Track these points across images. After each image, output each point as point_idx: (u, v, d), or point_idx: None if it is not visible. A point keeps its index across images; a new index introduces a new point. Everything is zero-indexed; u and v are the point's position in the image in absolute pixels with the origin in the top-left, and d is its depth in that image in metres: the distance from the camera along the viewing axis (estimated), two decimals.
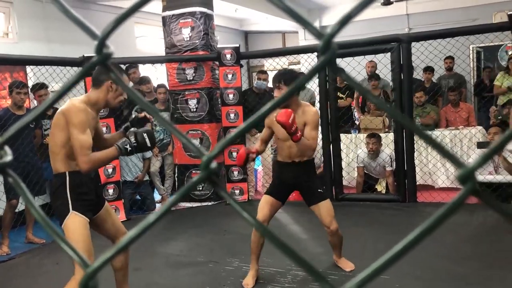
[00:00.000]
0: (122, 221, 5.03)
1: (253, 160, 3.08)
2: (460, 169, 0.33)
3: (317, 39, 0.36)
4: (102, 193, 3.29)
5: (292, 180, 3.17)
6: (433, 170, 5.66)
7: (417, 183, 5.19)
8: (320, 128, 5.55)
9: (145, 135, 2.47)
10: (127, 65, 5.81)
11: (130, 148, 2.44)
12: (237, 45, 5.78)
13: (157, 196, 6.02)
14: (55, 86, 5.23)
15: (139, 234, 0.36)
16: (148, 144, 2.49)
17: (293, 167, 3.16)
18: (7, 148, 0.39)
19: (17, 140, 4.32)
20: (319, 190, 3.20)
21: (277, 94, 3.03)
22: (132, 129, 2.56)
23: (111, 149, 2.44)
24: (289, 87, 2.96)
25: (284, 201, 3.24)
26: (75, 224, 2.40)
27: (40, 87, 4.85)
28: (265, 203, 3.16)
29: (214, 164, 0.36)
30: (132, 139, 2.45)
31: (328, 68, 0.37)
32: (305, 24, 0.38)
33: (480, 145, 4.92)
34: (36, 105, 5.33)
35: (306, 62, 5.91)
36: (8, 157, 0.39)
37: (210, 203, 5.71)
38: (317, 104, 5.52)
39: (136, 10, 0.40)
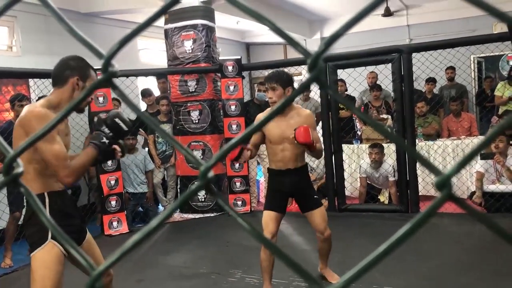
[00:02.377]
0: (124, 233, 5.09)
1: (246, 158, 2.92)
2: (437, 176, 0.35)
3: (305, 57, 0.38)
4: (84, 217, 2.92)
5: (289, 188, 3.06)
6: (435, 180, 5.65)
7: (420, 193, 5.18)
8: (321, 139, 5.58)
9: (116, 119, 2.11)
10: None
11: (107, 140, 2.09)
12: (239, 57, 5.83)
13: (160, 208, 6.02)
14: None
15: (142, 238, 0.37)
16: (124, 127, 2.14)
17: (290, 175, 3.03)
18: (19, 160, 0.41)
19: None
20: (315, 196, 3.13)
21: (271, 95, 2.92)
22: (98, 118, 2.20)
23: (86, 150, 2.07)
24: (284, 88, 2.82)
25: (285, 211, 3.16)
26: (49, 257, 2.00)
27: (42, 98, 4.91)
28: (269, 220, 3.02)
29: (211, 174, 0.37)
30: (105, 129, 2.09)
31: (316, 83, 0.39)
32: (294, 45, 0.39)
33: (483, 156, 4.91)
34: None
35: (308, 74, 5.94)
36: (20, 168, 0.40)
37: (212, 215, 5.71)
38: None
39: (140, 31, 0.42)
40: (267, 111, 2.95)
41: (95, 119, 2.55)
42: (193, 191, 0.38)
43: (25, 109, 2.08)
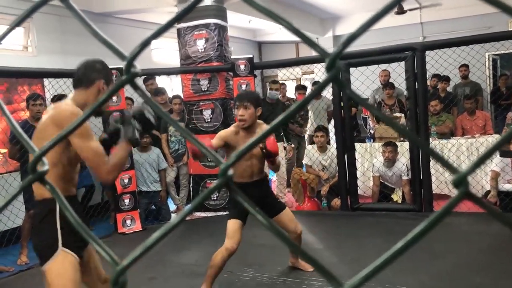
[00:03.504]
0: (138, 231, 5.13)
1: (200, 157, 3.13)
2: (454, 174, 0.35)
3: (323, 58, 0.38)
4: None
5: (256, 198, 3.07)
6: (450, 179, 5.59)
7: (434, 192, 5.14)
8: (334, 137, 5.56)
9: (145, 113, 2.08)
10: (144, 76, 5.93)
11: (138, 134, 2.05)
12: (251, 56, 5.83)
13: (172, 206, 6.05)
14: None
15: (164, 235, 0.38)
16: (152, 120, 2.12)
17: (256, 187, 3.16)
18: (44, 159, 0.42)
19: None
20: (278, 200, 3.33)
21: (243, 113, 3.04)
22: (121, 114, 2.13)
23: (120, 145, 2.02)
24: (255, 108, 2.98)
25: (246, 220, 3.19)
26: (64, 267, 1.91)
27: (58, 98, 4.97)
28: (237, 229, 3.14)
29: (231, 172, 0.38)
30: (135, 123, 2.04)
31: (334, 84, 0.40)
32: (312, 45, 0.40)
33: (503, 153, 4.83)
34: None
35: (320, 72, 5.93)
36: (46, 166, 0.41)
37: (224, 213, 5.71)
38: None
39: (161, 34, 0.42)
40: (231, 128, 3.19)
41: (112, 117, 2.59)
42: (214, 189, 0.39)
43: (58, 107, 2.02)
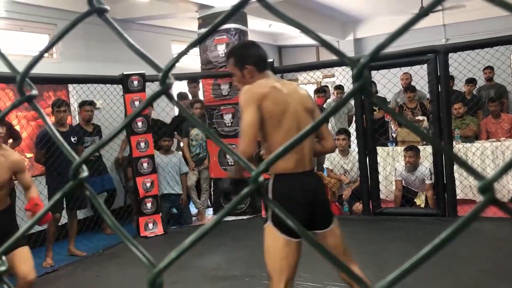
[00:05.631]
0: (159, 235, 5.18)
1: None
2: (480, 181, 0.35)
3: (351, 68, 0.39)
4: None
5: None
6: (474, 184, 5.50)
7: (458, 197, 5.05)
8: (356, 141, 5.51)
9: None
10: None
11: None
12: (271, 60, 5.83)
13: (193, 210, 6.09)
14: (97, 103, 5.46)
15: (199, 238, 0.39)
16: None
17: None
18: (84, 166, 0.44)
19: (61, 157, 4.48)
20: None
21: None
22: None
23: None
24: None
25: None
26: (274, 237, 2.18)
27: (89, 103, 5.20)
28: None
29: (261, 178, 0.39)
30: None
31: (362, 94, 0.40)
32: (340, 55, 0.40)
33: None
34: (78, 121, 5.55)
35: (341, 75, 5.90)
36: (85, 173, 0.43)
37: (245, 217, 5.73)
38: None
39: (198, 43, 0.44)
40: None
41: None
42: (245, 195, 0.39)
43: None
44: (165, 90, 0.41)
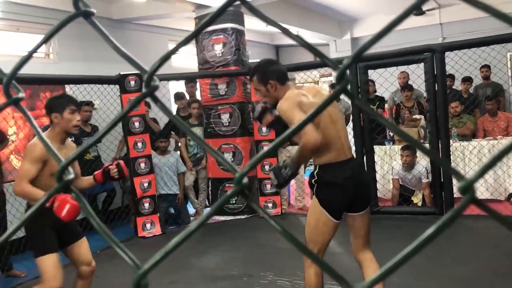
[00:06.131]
0: (157, 235, 5.18)
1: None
2: (461, 181, 0.35)
3: (333, 70, 0.39)
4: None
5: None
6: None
7: (455, 195, 5.06)
8: (353, 140, 5.52)
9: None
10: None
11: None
12: None
13: (191, 210, 6.09)
14: (94, 103, 5.45)
15: (183, 240, 0.39)
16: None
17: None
18: (70, 168, 0.44)
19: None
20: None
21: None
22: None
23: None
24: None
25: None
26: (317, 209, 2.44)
27: (87, 103, 5.19)
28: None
29: (245, 180, 0.39)
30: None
31: (345, 95, 0.40)
32: (321, 57, 0.41)
33: None
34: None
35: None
36: (71, 175, 0.43)
37: (243, 217, 5.73)
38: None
39: (182, 45, 0.44)
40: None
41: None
42: (229, 197, 0.40)
43: None
44: (150, 92, 0.41)
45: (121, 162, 2.84)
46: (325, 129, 2.34)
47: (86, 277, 2.83)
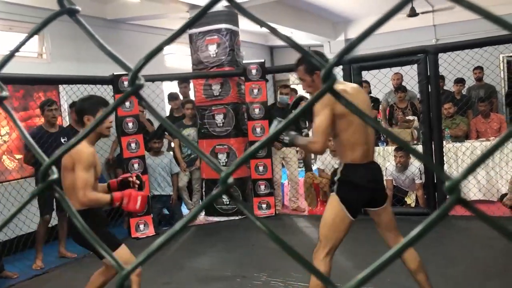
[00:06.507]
0: (151, 236, 5.16)
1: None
2: (447, 181, 0.36)
3: (320, 69, 0.39)
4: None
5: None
6: (464, 183, 5.53)
7: (448, 196, 5.07)
8: None
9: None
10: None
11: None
12: (263, 60, 5.84)
13: (185, 211, 6.08)
14: None
15: (166, 240, 0.39)
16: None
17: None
18: (54, 168, 0.43)
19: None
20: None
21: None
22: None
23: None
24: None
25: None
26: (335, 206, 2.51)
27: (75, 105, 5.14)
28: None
29: (231, 179, 0.39)
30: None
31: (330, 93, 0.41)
32: (308, 56, 0.41)
33: None
34: (68, 122, 5.51)
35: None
36: (55, 175, 0.43)
37: (237, 217, 5.72)
38: None
39: (166, 44, 0.44)
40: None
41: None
42: (214, 197, 0.39)
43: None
44: (134, 91, 0.40)
45: (139, 174, 2.94)
46: (357, 129, 2.44)
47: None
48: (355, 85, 2.80)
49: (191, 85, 6.24)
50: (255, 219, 0.39)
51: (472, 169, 0.36)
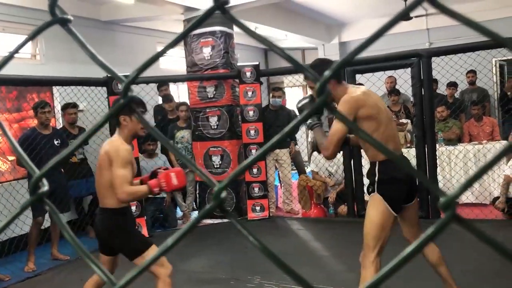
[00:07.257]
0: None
1: None
2: (441, 197, 0.35)
3: (314, 82, 0.40)
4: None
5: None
6: (457, 186, 5.56)
7: None
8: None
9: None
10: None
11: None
12: (257, 63, 5.85)
13: (179, 213, 6.06)
14: (80, 106, 5.41)
15: (158, 256, 0.39)
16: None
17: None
18: (44, 180, 0.43)
19: (43, 160, 4.42)
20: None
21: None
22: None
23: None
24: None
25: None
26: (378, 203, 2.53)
27: (72, 106, 5.14)
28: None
29: (224, 194, 0.39)
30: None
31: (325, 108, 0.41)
32: (304, 70, 0.41)
33: None
34: (61, 124, 5.49)
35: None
36: (45, 187, 0.43)
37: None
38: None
39: (160, 56, 0.44)
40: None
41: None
42: (208, 211, 0.40)
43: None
44: (128, 103, 0.41)
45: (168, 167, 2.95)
46: (387, 125, 2.52)
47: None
48: (364, 87, 2.85)
49: (186, 87, 6.23)
50: (247, 233, 0.39)
51: (468, 184, 0.36)
